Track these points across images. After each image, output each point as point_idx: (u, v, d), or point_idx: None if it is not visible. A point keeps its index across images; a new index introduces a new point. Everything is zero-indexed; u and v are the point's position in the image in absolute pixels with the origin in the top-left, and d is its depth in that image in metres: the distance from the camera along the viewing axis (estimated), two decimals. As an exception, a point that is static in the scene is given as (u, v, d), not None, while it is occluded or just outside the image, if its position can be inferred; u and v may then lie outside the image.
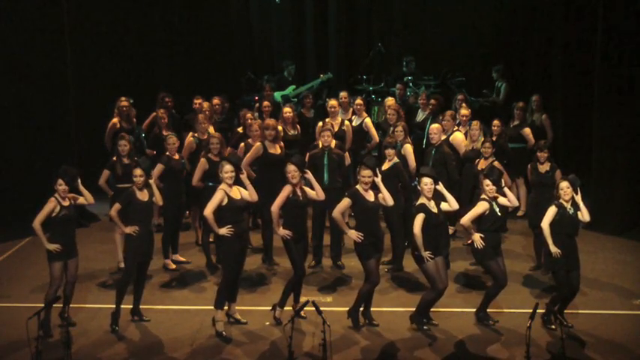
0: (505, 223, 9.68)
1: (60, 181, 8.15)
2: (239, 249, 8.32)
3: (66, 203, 8.22)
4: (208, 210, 8.16)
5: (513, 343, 8.06)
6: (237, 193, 8.32)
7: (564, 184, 8.16)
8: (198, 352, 8.02)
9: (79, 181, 8.42)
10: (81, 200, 8.45)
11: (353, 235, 8.25)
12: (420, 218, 8.03)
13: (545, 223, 8.13)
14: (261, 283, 9.84)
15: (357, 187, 8.37)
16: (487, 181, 8.27)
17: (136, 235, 8.35)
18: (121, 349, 8.08)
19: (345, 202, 8.35)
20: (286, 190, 8.44)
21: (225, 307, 8.48)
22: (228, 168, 8.25)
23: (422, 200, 8.16)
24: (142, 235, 8.39)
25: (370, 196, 8.34)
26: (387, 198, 8.42)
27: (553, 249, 8.08)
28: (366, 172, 8.30)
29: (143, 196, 8.44)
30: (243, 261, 8.54)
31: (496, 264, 8.28)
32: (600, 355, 7.91)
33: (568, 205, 8.16)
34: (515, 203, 8.63)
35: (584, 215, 8.24)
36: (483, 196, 8.31)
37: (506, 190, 8.46)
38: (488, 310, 8.50)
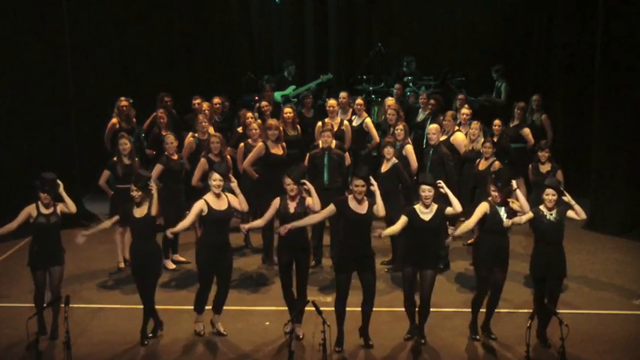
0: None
1: (40, 189, 8.06)
2: (213, 259, 8.06)
3: (48, 211, 8.09)
4: (187, 222, 8.07)
5: (513, 343, 8.06)
6: (223, 202, 8.13)
7: (549, 191, 7.86)
8: (197, 352, 8.03)
9: (62, 187, 8.23)
10: (62, 208, 8.23)
11: (282, 230, 7.89)
12: (401, 221, 7.87)
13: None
14: (261, 283, 9.85)
15: (349, 197, 7.91)
16: (492, 187, 7.98)
17: (135, 249, 8.16)
18: (121, 349, 8.08)
19: (329, 208, 7.93)
20: (274, 205, 8.19)
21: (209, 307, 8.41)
22: (215, 177, 8.12)
23: (415, 205, 7.96)
24: (140, 250, 8.11)
25: (363, 207, 7.84)
26: (380, 209, 7.89)
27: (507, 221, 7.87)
28: (358, 182, 7.79)
29: (141, 212, 8.09)
30: (226, 270, 8.19)
31: (486, 273, 7.99)
32: (600, 355, 7.92)
33: (548, 212, 7.86)
34: (527, 209, 8.08)
35: (578, 213, 7.95)
36: (490, 198, 8.01)
37: (518, 193, 8.05)
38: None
